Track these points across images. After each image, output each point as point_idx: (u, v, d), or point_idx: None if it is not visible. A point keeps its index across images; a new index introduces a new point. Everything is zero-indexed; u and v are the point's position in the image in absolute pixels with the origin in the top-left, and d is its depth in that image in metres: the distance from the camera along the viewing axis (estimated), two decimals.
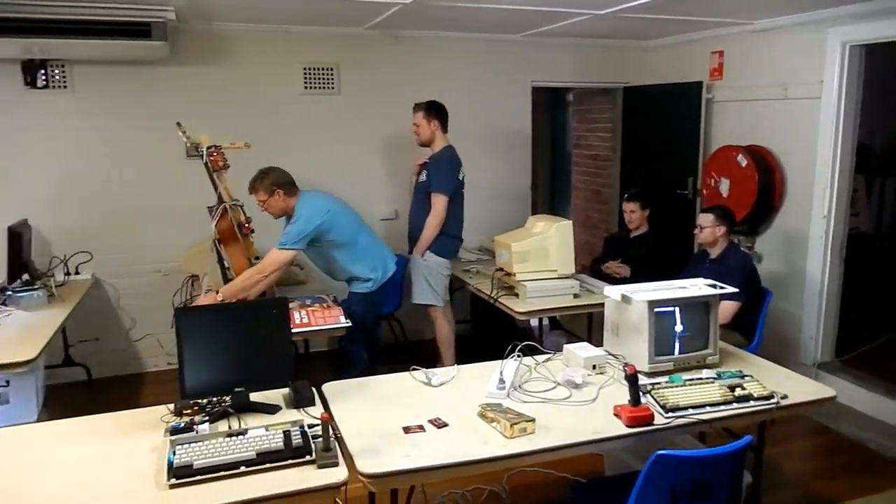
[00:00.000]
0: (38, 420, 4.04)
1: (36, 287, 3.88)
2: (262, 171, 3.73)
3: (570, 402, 2.42)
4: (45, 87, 4.41)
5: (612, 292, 2.79)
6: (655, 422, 2.23)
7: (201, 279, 4.13)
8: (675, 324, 2.68)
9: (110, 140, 4.63)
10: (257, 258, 3.75)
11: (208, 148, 3.61)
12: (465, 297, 5.32)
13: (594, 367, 2.67)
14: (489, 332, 4.92)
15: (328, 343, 4.96)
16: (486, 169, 5.48)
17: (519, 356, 2.63)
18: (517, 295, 3.90)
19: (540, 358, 2.82)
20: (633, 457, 2.71)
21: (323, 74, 5.03)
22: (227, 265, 3.67)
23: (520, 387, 2.54)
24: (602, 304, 2.99)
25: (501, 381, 2.47)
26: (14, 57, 4.27)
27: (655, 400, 2.34)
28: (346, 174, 5.06)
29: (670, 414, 2.27)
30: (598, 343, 2.91)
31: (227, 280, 3.62)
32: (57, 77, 4.44)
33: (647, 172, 5.72)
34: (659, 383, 2.47)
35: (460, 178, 4.38)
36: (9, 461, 2.05)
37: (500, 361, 2.61)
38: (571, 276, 3.92)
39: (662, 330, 2.65)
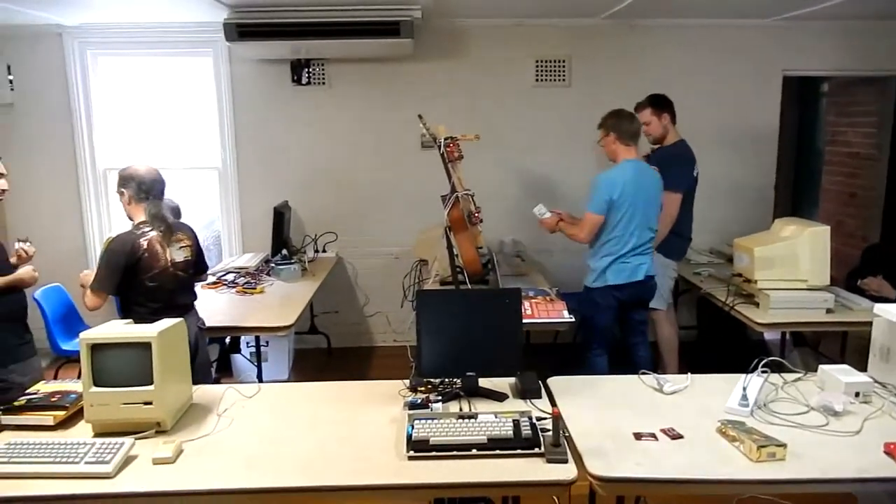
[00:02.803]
0: (289, 379, 4.59)
1: (293, 261, 4.39)
2: (614, 112, 3.67)
3: (826, 431, 2.14)
4: (308, 83, 4.96)
5: (886, 311, 2.42)
6: None
7: (430, 264, 4.35)
8: None
9: (357, 131, 5.08)
10: (479, 248, 3.85)
11: (445, 139, 3.76)
12: (691, 302, 5.01)
13: (857, 394, 2.34)
14: (718, 341, 4.57)
15: (552, 336, 4.95)
16: (723, 166, 5.08)
17: (765, 372, 2.39)
18: (757, 304, 3.56)
19: (788, 377, 2.54)
20: None
21: (554, 67, 5.02)
22: (455, 252, 3.81)
23: (765, 405, 2.31)
24: (861, 323, 2.62)
25: (744, 397, 2.26)
26: (285, 57, 4.85)
27: None
28: (573, 168, 5.01)
29: None
30: (855, 367, 2.54)
31: (454, 267, 3.76)
32: (318, 74, 4.96)
33: None
34: None
35: (695, 174, 4.10)
36: (277, 413, 2.33)
37: (741, 375, 2.39)
38: (825, 289, 3.48)
39: None
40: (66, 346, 3.95)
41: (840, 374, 2.40)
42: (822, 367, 2.50)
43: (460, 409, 2.29)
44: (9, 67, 4.92)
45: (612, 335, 3.66)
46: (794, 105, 7.06)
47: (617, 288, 3.53)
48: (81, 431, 2.16)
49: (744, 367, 2.42)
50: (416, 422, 2.09)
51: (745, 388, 2.29)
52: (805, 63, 5.14)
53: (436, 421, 2.10)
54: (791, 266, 3.45)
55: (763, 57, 5.07)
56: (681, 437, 2.09)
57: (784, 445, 1.96)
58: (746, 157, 5.20)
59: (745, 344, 4.55)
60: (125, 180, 2.94)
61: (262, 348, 4.35)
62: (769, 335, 4.55)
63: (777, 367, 2.51)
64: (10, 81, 4.93)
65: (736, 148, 5.17)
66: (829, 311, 3.45)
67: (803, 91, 6.99)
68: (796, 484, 1.90)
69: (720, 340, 4.49)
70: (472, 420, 2.11)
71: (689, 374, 2.57)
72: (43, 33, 4.85)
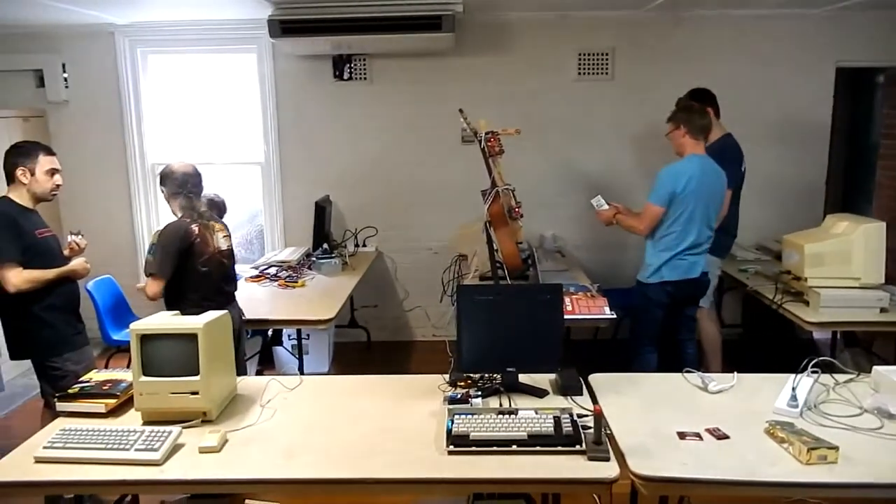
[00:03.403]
0: (329, 372, 4.64)
1: (333, 255, 4.44)
2: (686, 105, 3.61)
3: (880, 434, 2.07)
4: (350, 78, 5.00)
5: None
6: None
7: (469, 259, 4.35)
8: None
9: (398, 126, 5.10)
10: (519, 243, 3.82)
11: (486, 134, 3.75)
12: (736, 300, 4.90)
13: None
14: (764, 340, 4.46)
15: (592, 333, 4.91)
16: (772, 160, 4.95)
17: (816, 372, 2.32)
18: (806, 302, 3.46)
19: (840, 378, 2.46)
20: None
21: (597, 60, 4.95)
22: (495, 247, 3.80)
23: (815, 406, 2.24)
24: None
25: (794, 397, 2.20)
26: (327, 53, 4.89)
27: None
28: (615, 162, 4.95)
29: None
30: None
31: (494, 262, 3.75)
32: (359, 69, 4.99)
33: None
34: None
35: (742, 170, 4.00)
36: (318, 405, 2.36)
37: (789, 375, 2.33)
38: (879, 287, 3.36)
39: None
40: (117, 336, 4.07)
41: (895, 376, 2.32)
42: (876, 367, 2.41)
43: (500, 405, 2.29)
44: (64, 66, 5.08)
45: (662, 332, 3.60)
46: (848, 97, 6.83)
47: (671, 284, 3.47)
48: (131, 419, 2.23)
49: (791, 367, 2.35)
50: (456, 416, 2.09)
51: (794, 389, 2.23)
52: (859, 54, 4.96)
53: (476, 416, 2.09)
54: (843, 263, 3.34)
55: (815, 48, 4.91)
56: (727, 437, 2.04)
57: (836, 448, 1.90)
58: (796, 151, 5.05)
59: (793, 343, 4.43)
60: (163, 178, 3.09)
61: (304, 341, 4.40)
62: (818, 334, 4.42)
63: (827, 368, 2.43)
64: (65, 80, 5.10)
65: (785, 142, 5.02)
66: (883, 310, 3.33)
67: (857, 83, 6.75)
68: (849, 488, 1.83)
69: (766, 339, 4.39)
70: (513, 416, 2.10)
71: (735, 373, 2.51)
72: (96, 32, 4.99)
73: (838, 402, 2.30)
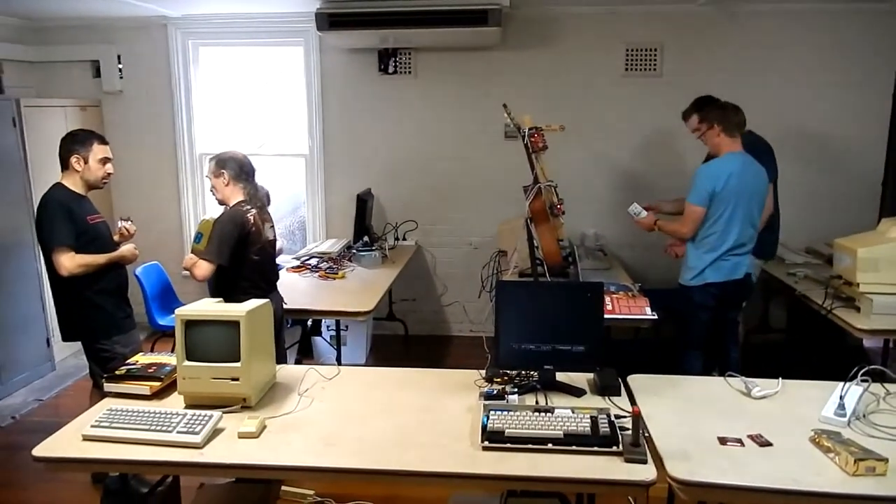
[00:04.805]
0: (366, 363, 4.69)
1: (373, 248, 4.47)
2: (718, 103, 3.58)
3: None
4: (395, 72, 5.02)
5: None
6: None
7: (509, 255, 4.32)
8: None
9: (442, 120, 5.10)
10: (560, 240, 3.79)
11: (530, 129, 3.72)
12: (782, 304, 4.76)
13: None
14: (811, 346, 4.33)
15: (632, 333, 4.82)
16: (827, 161, 4.80)
17: (866, 381, 2.24)
18: (858, 308, 3.34)
19: (891, 387, 2.37)
20: None
21: (645, 55, 4.86)
22: (536, 244, 3.77)
23: (864, 416, 2.16)
24: None
25: (841, 406, 2.13)
26: (372, 46, 4.93)
27: None
28: (661, 160, 4.86)
29: None
30: None
31: (534, 258, 3.72)
32: (404, 63, 5.01)
33: None
34: None
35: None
36: (355, 395, 2.38)
37: (837, 383, 2.25)
38: None
39: None
40: (163, 321, 4.18)
41: None
42: None
43: (536, 403, 2.27)
44: (119, 57, 5.23)
45: (708, 335, 3.53)
46: None
47: (716, 286, 3.40)
48: (174, 402, 2.28)
49: (839, 375, 2.28)
50: (492, 412, 2.09)
51: (842, 397, 2.15)
52: None
53: (511, 413, 2.08)
54: None
55: (875, 45, 4.72)
56: (769, 444, 1.99)
57: (885, 460, 1.83)
58: (852, 152, 4.87)
59: (842, 350, 4.28)
60: (225, 162, 3.08)
61: (342, 332, 4.45)
62: (870, 342, 4.28)
63: (878, 377, 2.35)
64: (120, 70, 5.25)
65: (841, 142, 4.85)
66: None
67: None
68: None
69: (814, 345, 4.25)
70: (549, 414, 2.09)
71: (781, 379, 2.44)
72: (149, 24, 5.13)
73: (889, 412, 2.21)
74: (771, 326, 4.96)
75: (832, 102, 4.80)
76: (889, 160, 5.05)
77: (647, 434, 2.02)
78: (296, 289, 3.81)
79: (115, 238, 3.23)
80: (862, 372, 2.27)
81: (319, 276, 4.11)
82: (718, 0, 4.42)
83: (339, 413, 2.23)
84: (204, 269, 2.93)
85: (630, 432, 1.95)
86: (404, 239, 5.13)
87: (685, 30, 4.79)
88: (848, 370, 2.28)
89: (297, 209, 5.61)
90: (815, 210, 4.79)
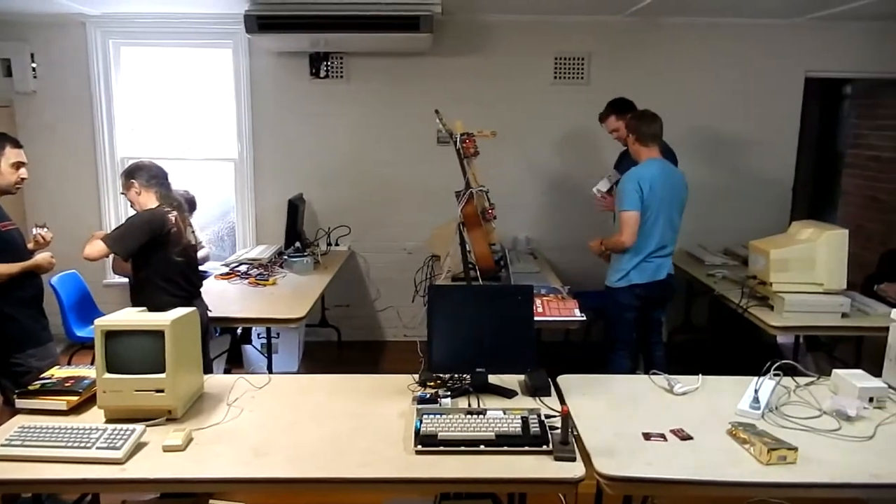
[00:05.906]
0: (298, 371, 4.61)
1: (305, 254, 4.41)
2: (636, 113, 3.66)
3: (838, 436, 2.12)
4: (327, 76, 4.98)
5: None
6: None
7: (442, 260, 4.34)
8: None
9: (374, 125, 5.09)
10: (492, 244, 3.84)
11: (461, 135, 3.76)
12: (704, 304, 4.97)
13: (871, 399, 2.31)
14: (731, 343, 4.54)
15: (562, 335, 4.93)
16: (741, 166, 5.05)
17: (778, 375, 2.37)
18: (771, 307, 3.53)
19: (801, 380, 2.52)
20: None
21: (573, 64, 5.00)
22: (468, 248, 3.81)
23: (776, 409, 2.29)
24: (878, 329, 2.60)
25: (756, 399, 2.24)
26: (304, 50, 4.87)
27: None
28: (590, 166, 4.98)
29: None
30: (870, 372, 2.51)
31: (466, 263, 3.76)
32: (336, 67, 4.97)
33: None
34: None
35: None
36: (286, 404, 2.34)
37: (752, 378, 2.37)
38: (841, 293, 3.44)
39: None
40: (81, 332, 4.00)
41: (854, 379, 2.37)
42: (835, 371, 2.48)
43: (469, 405, 2.29)
44: (32, 55, 4.97)
45: (634, 335, 3.65)
46: (816, 107, 6.98)
47: (641, 287, 3.52)
48: (94, 417, 2.18)
49: (756, 370, 2.40)
50: (425, 416, 2.09)
51: (756, 391, 2.27)
52: (828, 64, 5.07)
53: (444, 416, 2.10)
54: (807, 269, 3.41)
55: (786, 57, 5.02)
56: (690, 438, 2.08)
57: (795, 449, 1.94)
58: (765, 157, 5.15)
59: (759, 347, 4.51)
60: (132, 172, 3.00)
61: (273, 340, 4.37)
62: (783, 338, 4.51)
63: (790, 371, 2.49)
64: (34, 69, 4.99)
65: (755, 148, 5.12)
66: (844, 315, 3.41)
67: (826, 93, 6.90)
68: (806, 488, 1.87)
69: (733, 343, 4.46)
70: (481, 416, 2.11)
71: (701, 375, 2.55)
72: (67, 22, 4.89)
73: (799, 404, 2.35)
74: (693, 325, 5.17)
75: (746, 111, 5.06)
76: (799, 166, 5.36)
77: (575, 432, 2.07)
78: (225, 296, 3.71)
79: (30, 246, 3.07)
80: (774, 367, 2.39)
81: (249, 282, 4.02)
82: (642, 12, 4.58)
83: (270, 422, 2.19)
84: (96, 249, 2.82)
85: (560, 431, 1.99)
86: (337, 244, 5.08)
87: (612, 39, 4.95)
88: (763, 366, 2.40)
89: (227, 215, 5.47)
90: (732, 213, 5.03)
